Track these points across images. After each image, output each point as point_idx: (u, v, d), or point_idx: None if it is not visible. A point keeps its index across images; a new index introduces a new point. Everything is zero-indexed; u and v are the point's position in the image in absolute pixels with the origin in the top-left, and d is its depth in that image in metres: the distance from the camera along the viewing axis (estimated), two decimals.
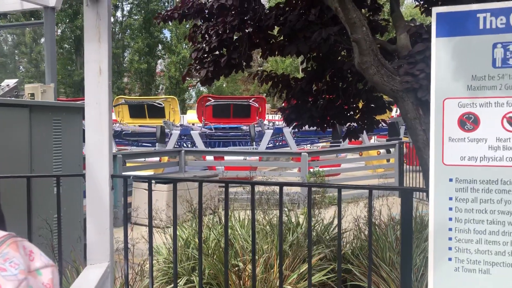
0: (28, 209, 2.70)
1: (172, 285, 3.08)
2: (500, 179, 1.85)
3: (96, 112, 2.42)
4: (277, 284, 3.61)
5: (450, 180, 1.92)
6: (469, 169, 1.89)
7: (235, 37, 4.51)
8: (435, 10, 1.93)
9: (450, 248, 1.93)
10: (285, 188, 7.72)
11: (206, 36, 4.50)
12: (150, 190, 2.69)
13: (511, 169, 1.83)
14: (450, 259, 1.93)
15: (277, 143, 15.70)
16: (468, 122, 1.89)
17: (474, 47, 1.88)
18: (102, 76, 2.42)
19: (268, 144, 14.01)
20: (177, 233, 4.75)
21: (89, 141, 2.42)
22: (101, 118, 2.42)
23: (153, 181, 7.39)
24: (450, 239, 1.93)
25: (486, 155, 1.87)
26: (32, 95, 5.72)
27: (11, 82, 5.61)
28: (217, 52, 4.55)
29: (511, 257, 1.84)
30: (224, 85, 38.66)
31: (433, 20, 1.92)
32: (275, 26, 4.48)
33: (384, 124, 5.51)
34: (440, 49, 1.92)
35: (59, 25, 34.73)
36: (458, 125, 1.91)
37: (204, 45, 4.47)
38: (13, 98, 5.04)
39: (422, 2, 4.48)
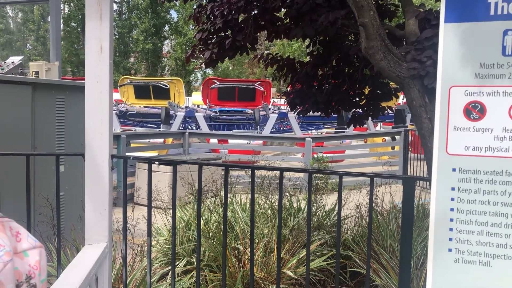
0: (27, 187, 2.69)
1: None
2: (505, 171, 1.81)
3: (97, 91, 2.39)
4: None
5: (454, 170, 1.88)
6: (474, 159, 1.85)
7: (240, 19, 4.43)
8: None
9: (450, 239, 1.90)
10: (287, 173, 7.75)
11: (211, 16, 4.43)
12: (150, 172, 2.66)
13: None
14: (450, 250, 1.90)
15: (281, 128, 15.65)
16: (474, 111, 1.84)
17: (484, 34, 1.82)
18: (103, 54, 2.37)
19: (272, 128, 13.96)
20: (179, 215, 4.77)
21: (89, 120, 2.39)
22: (102, 97, 2.39)
23: (156, 163, 7.44)
24: (451, 229, 1.90)
25: (492, 146, 1.83)
26: (37, 73, 5.68)
27: (16, 59, 5.57)
28: (221, 34, 4.49)
29: None
30: (230, 68, 38.45)
31: (442, 4, 1.86)
32: (282, 8, 4.41)
33: (390, 111, 5.45)
34: (448, 35, 1.86)
35: (67, 3, 34.50)
36: (464, 114, 1.86)
37: (208, 26, 4.40)
38: (17, 76, 5.01)
39: None
